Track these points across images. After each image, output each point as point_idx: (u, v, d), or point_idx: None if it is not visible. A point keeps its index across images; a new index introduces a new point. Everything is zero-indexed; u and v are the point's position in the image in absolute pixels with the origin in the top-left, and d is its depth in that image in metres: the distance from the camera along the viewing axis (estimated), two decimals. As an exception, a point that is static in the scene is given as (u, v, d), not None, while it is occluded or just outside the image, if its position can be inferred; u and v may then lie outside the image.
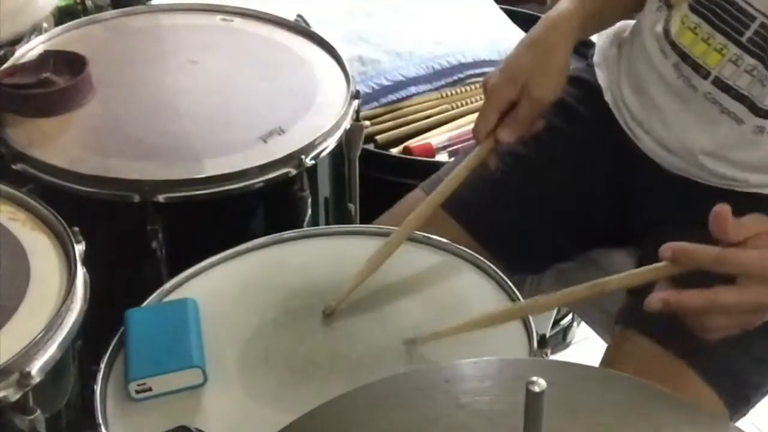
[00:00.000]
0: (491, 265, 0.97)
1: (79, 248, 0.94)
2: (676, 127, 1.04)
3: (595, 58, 1.18)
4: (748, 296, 0.77)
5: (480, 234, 1.12)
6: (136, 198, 1.04)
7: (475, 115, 1.53)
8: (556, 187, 1.15)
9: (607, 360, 1.03)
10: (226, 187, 1.06)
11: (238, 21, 1.39)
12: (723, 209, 0.75)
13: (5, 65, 1.22)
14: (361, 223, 1.28)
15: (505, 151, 1.16)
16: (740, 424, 0.66)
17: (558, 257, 1.20)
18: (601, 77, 1.15)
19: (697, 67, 0.99)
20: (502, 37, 1.66)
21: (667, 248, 0.77)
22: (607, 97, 1.13)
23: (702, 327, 0.80)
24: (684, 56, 1.00)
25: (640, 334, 0.99)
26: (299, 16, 1.62)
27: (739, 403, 0.98)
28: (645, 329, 0.99)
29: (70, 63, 1.20)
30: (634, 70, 1.10)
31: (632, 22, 1.13)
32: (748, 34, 0.95)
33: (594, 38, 1.22)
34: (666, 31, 1.03)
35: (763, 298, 0.78)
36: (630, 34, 1.12)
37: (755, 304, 0.78)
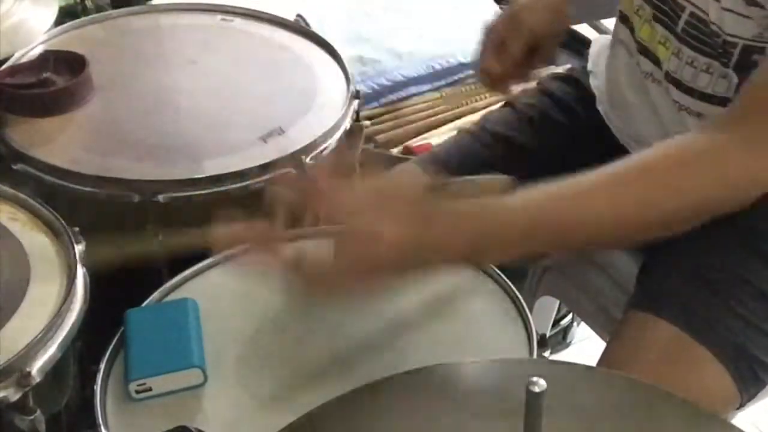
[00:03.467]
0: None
1: (79, 248, 0.94)
2: (669, 129, 1.04)
3: (589, 66, 1.18)
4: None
5: None
6: (136, 198, 1.04)
7: (475, 116, 1.52)
8: (554, 175, 1.15)
9: (613, 341, 1.01)
10: (226, 187, 1.06)
11: (238, 21, 1.39)
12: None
13: (5, 65, 1.22)
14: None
15: (503, 139, 1.16)
16: (740, 424, 0.65)
17: None
18: (594, 85, 1.16)
19: (657, 62, 0.98)
20: (502, 37, 1.66)
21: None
22: (600, 107, 1.14)
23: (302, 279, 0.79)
24: (645, 51, 1.00)
25: (647, 312, 0.98)
26: (299, 16, 1.62)
27: (749, 381, 0.96)
28: (652, 307, 0.98)
29: (70, 63, 1.20)
30: (613, 80, 1.10)
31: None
32: (681, 24, 0.93)
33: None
34: (631, 29, 1.03)
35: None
36: (611, 44, 1.13)
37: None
